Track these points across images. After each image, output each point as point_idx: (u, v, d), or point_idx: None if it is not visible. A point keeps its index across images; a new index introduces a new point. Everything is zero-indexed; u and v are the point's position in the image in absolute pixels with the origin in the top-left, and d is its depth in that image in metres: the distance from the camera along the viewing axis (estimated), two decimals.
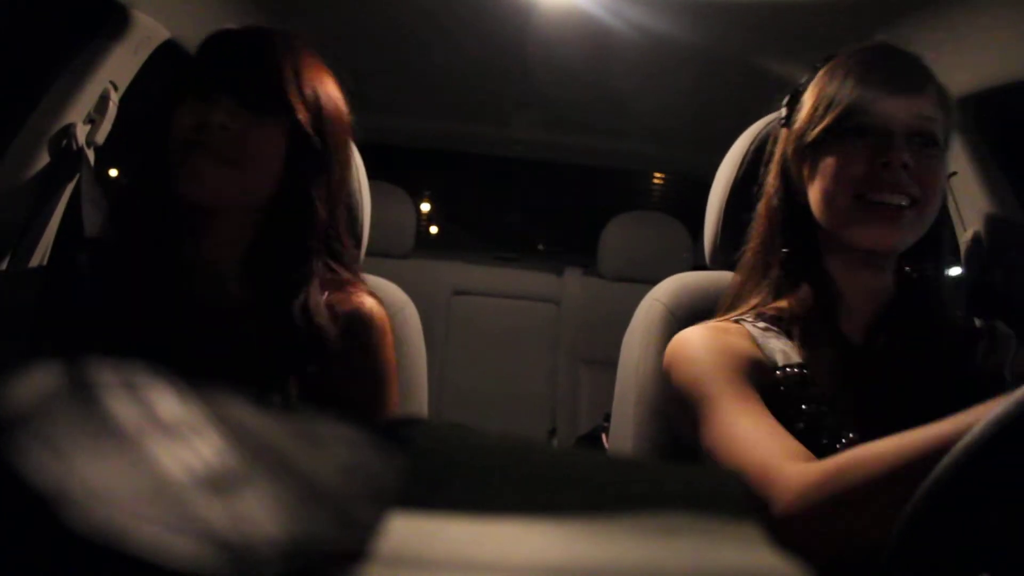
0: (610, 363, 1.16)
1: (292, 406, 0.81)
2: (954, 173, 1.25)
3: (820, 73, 0.88)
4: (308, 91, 0.86)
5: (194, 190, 0.82)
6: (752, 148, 1.03)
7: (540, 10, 1.44)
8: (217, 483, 0.22)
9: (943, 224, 0.92)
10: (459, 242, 3.80)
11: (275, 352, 0.84)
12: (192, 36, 1.34)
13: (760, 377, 0.79)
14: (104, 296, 0.85)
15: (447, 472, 0.25)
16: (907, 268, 0.89)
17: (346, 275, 0.94)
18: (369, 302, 0.92)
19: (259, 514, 0.22)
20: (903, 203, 0.79)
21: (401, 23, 1.59)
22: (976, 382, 0.80)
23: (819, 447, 0.71)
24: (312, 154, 0.87)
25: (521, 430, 2.24)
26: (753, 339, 0.84)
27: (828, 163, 0.83)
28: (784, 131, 0.92)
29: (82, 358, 0.25)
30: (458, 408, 2.21)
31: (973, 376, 0.82)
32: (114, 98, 1.17)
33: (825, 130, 0.82)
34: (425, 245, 2.60)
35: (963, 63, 1.20)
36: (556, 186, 3.78)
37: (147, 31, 1.21)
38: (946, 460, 0.44)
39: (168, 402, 0.25)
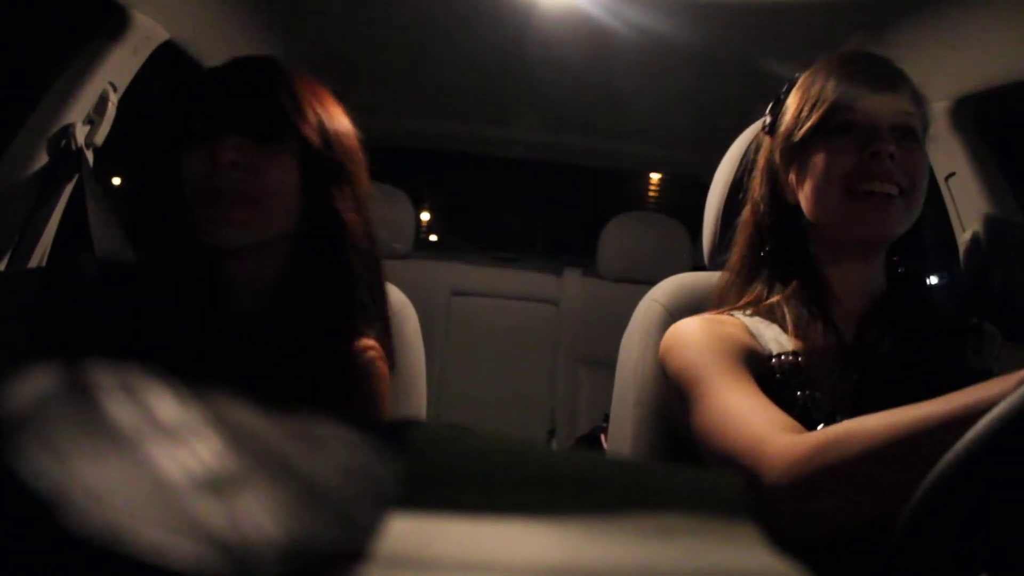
0: (609, 364, 1.16)
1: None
2: (952, 174, 1.25)
3: (801, 79, 0.91)
4: (310, 112, 0.86)
5: (220, 236, 0.82)
6: (751, 148, 1.04)
7: (540, 10, 1.44)
8: (216, 485, 0.22)
9: (934, 222, 0.95)
10: (458, 246, 3.81)
11: (291, 388, 0.83)
12: (191, 37, 1.34)
13: (754, 365, 0.80)
14: (110, 305, 0.85)
15: (446, 473, 0.25)
16: (895, 260, 0.92)
17: (373, 309, 0.93)
18: (374, 353, 0.90)
19: (258, 515, 0.22)
20: (892, 191, 0.82)
21: (400, 24, 1.59)
22: (964, 376, 0.81)
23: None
24: (328, 172, 0.87)
25: (520, 431, 2.23)
26: (747, 329, 0.86)
27: (817, 160, 0.86)
28: (767, 139, 0.96)
29: (81, 360, 0.25)
30: (457, 409, 2.21)
31: (961, 370, 0.84)
32: (113, 99, 1.17)
33: (812, 129, 0.86)
34: (424, 248, 2.60)
35: (962, 63, 1.20)
36: (555, 186, 3.78)
37: (146, 32, 1.21)
38: (946, 459, 0.44)
39: (167, 404, 0.25)
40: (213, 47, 1.38)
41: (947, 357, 0.84)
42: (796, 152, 0.89)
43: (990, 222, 1.17)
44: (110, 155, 1.19)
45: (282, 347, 0.84)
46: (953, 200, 1.25)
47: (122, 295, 0.87)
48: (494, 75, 1.87)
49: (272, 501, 0.22)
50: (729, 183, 1.06)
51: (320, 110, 0.88)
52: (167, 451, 0.23)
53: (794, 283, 0.88)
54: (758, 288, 0.91)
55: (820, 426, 0.74)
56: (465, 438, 0.28)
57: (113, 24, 1.16)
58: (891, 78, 0.87)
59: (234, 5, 1.36)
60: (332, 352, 0.86)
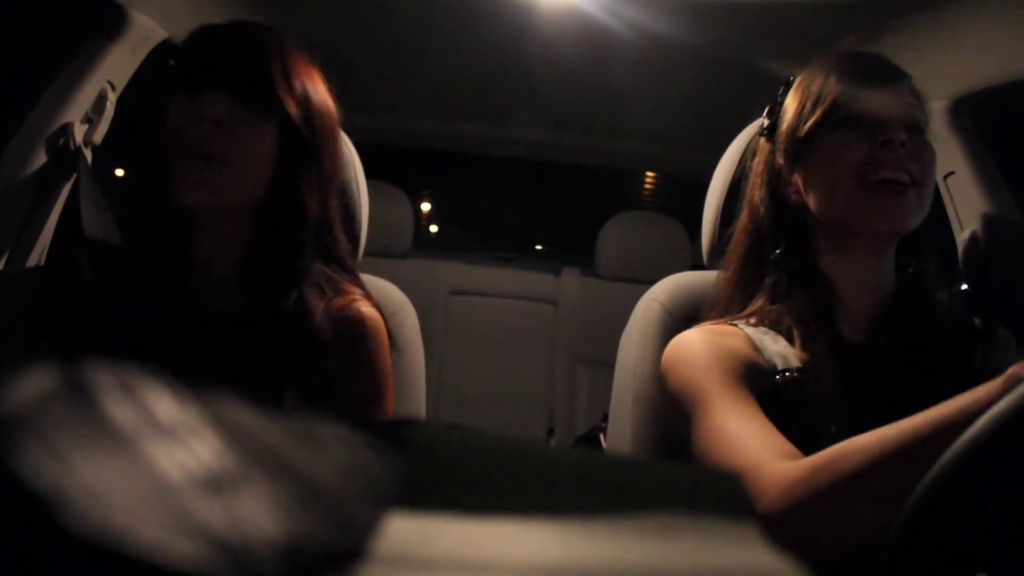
0: (608, 363, 1.16)
1: (290, 412, 0.81)
2: (951, 173, 1.25)
3: (799, 79, 0.90)
4: (297, 84, 0.86)
5: (190, 195, 0.81)
6: (749, 148, 1.04)
7: (540, 10, 1.44)
8: (215, 484, 0.22)
9: (939, 221, 0.93)
10: (457, 242, 3.81)
11: (273, 359, 0.83)
12: None
13: (758, 380, 0.79)
14: (104, 299, 0.85)
15: (445, 472, 0.25)
16: (904, 260, 0.90)
17: (342, 277, 0.93)
18: (363, 305, 0.91)
19: (257, 514, 0.22)
20: (905, 180, 0.80)
21: (399, 22, 1.58)
22: (974, 382, 0.80)
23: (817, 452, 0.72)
24: (302, 148, 0.86)
25: (519, 430, 2.23)
26: (751, 341, 0.84)
27: (825, 155, 0.84)
28: (764, 143, 0.94)
29: (80, 359, 0.25)
30: (456, 408, 2.21)
31: (971, 377, 0.82)
32: (111, 98, 1.17)
33: (816, 124, 0.84)
34: (423, 244, 2.59)
35: (961, 63, 1.20)
36: (554, 186, 3.78)
37: (145, 31, 1.21)
38: (944, 458, 0.44)
39: (165, 403, 0.25)
40: None
41: (957, 364, 0.82)
42: (802, 149, 0.86)
43: (988, 221, 1.17)
44: (110, 152, 1.19)
45: (251, 318, 0.84)
46: (952, 199, 1.25)
47: (108, 283, 0.87)
48: (494, 75, 1.86)
49: (271, 500, 0.22)
50: (728, 182, 1.06)
51: (307, 84, 0.88)
52: (166, 450, 0.23)
53: (799, 291, 0.85)
54: (762, 296, 0.88)
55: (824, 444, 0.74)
56: (464, 437, 0.28)
57: (111, 23, 1.16)
58: (893, 74, 0.86)
59: (232, 4, 1.36)
60: (300, 320, 0.85)
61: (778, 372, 0.80)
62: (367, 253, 1.15)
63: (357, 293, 0.92)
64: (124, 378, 0.25)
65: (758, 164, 0.94)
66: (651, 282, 1.10)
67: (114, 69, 1.17)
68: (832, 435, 0.74)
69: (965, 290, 1.15)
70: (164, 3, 1.21)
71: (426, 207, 3.95)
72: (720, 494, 0.26)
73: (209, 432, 0.24)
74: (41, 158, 1.08)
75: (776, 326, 0.85)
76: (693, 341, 0.84)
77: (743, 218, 0.95)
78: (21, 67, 1.21)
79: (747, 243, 0.92)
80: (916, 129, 0.83)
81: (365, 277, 1.02)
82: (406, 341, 1.10)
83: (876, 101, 0.82)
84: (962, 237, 1.20)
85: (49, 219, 1.08)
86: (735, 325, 0.87)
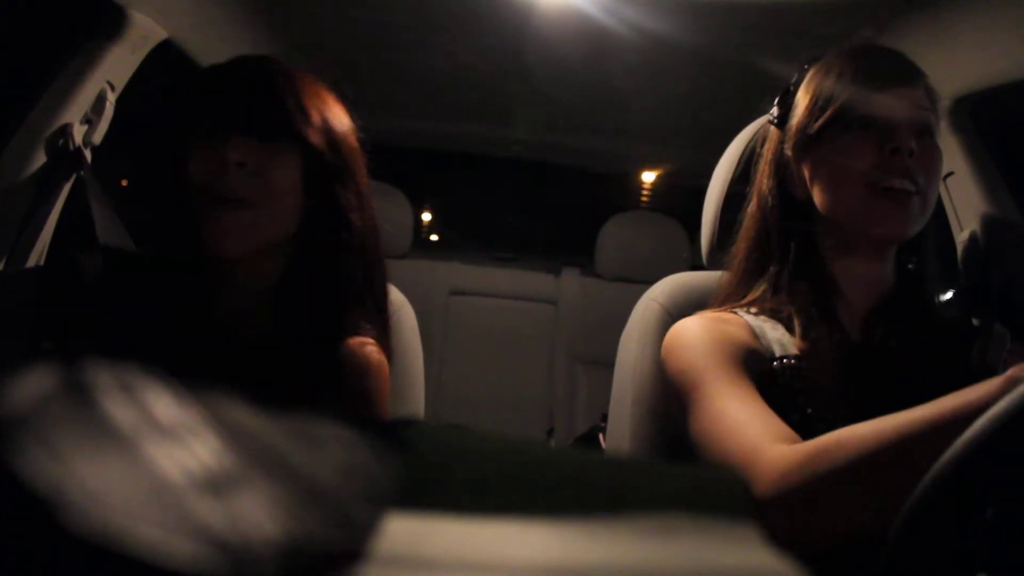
0: (607, 363, 1.16)
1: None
2: (951, 173, 1.25)
3: (811, 72, 0.89)
4: (314, 114, 0.86)
5: (226, 244, 0.82)
6: (748, 148, 1.04)
7: (539, 10, 1.44)
8: (215, 484, 0.22)
9: (939, 221, 0.94)
10: (457, 242, 3.80)
11: (290, 387, 0.82)
12: (189, 36, 1.34)
13: (756, 366, 0.79)
14: (121, 313, 0.84)
15: (445, 473, 0.25)
16: (904, 258, 0.90)
17: (361, 311, 0.92)
18: (374, 353, 0.90)
19: (257, 515, 0.22)
20: (911, 188, 0.80)
21: (399, 23, 1.58)
22: (970, 378, 0.81)
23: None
24: (330, 171, 0.87)
25: (518, 431, 2.23)
26: (750, 328, 0.84)
27: (834, 155, 0.83)
28: (774, 131, 0.93)
29: (81, 359, 0.25)
30: (455, 409, 2.21)
31: (967, 372, 0.82)
32: (111, 98, 1.17)
33: (827, 123, 0.83)
34: (422, 244, 2.60)
35: (960, 63, 1.20)
36: (554, 186, 3.77)
37: (144, 31, 1.20)
38: (944, 459, 0.44)
39: (166, 404, 0.25)
40: (211, 46, 1.38)
41: (953, 359, 0.83)
42: (810, 146, 0.86)
43: (988, 221, 1.17)
44: (111, 156, 1.19)
45: (282, 346, 0.84)
46: (951, 199, 1.25)
47: (123, 295, 0.87)
48: (493, 75, 1.86)
49: (271, 500, 0.22)
50: (728, 182, 1.06)
51: (322, 109, 0.88)
52: (166, 451, 0.23)
53: (801, 281, 0.86)
54: (764, 285, 0.89)
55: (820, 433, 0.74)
56: (463, 438, 0.28)
57: (111, 23, 1.16)
58: (908, 73, 0.85)
59: (232, 4, 1.36)
60: (332, 351, 0.85)
61: (776, 359, 0.81)
62: None
63: (371, 333, 0.92)
64: (124, 379, 0.25)
65: (767, 152, 0.94)
66: (651, 282, 1.10)
67: (114, 69, 1.17)
68: (828, 423, 0.75)
69: (964, 289, 1.16)
70: (164, 3, 1.21)
71: (427, 217, 3.95)
72: (720, 495, 0.26)
73: (209, 432, 0.24)
74: (41, 158, 1.08)
75: (776, 315, 0.86)
76: (693, 327, 0.85)
77: (751, 206, 0.95)
78: (21, 67, 1.21)
79: (754, 230, 0.93)
80: (926, 132, 0.83)
81: None
82: (405, 342, 1.10)
83: (887, 104, 0.81)
84: (962, 237, 1.21)
85: (49, 219, 1.08)
86: (735, 313, 0.87)
